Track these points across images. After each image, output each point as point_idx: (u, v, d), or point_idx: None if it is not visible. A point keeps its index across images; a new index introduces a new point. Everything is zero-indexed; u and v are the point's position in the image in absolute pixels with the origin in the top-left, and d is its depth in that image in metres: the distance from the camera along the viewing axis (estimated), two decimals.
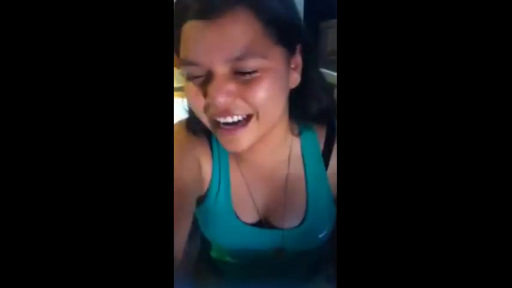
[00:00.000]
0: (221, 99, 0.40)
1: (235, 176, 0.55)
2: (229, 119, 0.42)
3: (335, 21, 1.76)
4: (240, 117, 0.42)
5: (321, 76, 0.50)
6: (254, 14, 0.38)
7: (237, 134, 0.43)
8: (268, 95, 0.41)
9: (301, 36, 0.45)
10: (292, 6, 0.44)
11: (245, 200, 0.56)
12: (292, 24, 0.43)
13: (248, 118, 0.43)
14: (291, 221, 0.56)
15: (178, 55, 0.42)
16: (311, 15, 1.66)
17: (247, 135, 0.43)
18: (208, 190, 0.55)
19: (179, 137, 0.53)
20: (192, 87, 0.42)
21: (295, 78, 0.46)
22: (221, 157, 0.55)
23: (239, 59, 0.38)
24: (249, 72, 0.39)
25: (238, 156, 0.54)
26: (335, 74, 0.82)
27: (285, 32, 0.41)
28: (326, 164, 0.54)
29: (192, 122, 0.52)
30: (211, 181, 0.55)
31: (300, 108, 0.49)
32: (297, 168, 0.55)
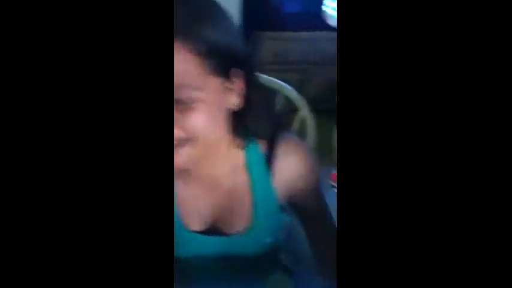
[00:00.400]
0: None
1: (180, 186, 0.58)
2: None
3: (269, 33, 1.84)
4: (176, 142, 0.45)
5: (265, 96, 0.54)
6: (189, 47, 0.41)
7: (174, 154, 0.46)
8: (205, 123, 0.45)
9: (240, 63, 0.48)
10: (233, 34, 0.47)
11: (192, 209, 0.59)
12: (232, 52, 0.46)
13: (182, 142, 0.46)
14: (238, 227, 0.59)
15: None
16: (247, 26, 1.71)
17: (183, 155, 0.46)
18: None
19: None
20: None
21: (236, 101, 0.49)
22: None
23: (175, 89, 0.41)
24: (185, 103, 0.43)
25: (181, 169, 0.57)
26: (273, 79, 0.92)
27: (222, 62, 0.45)
28: (271, 174, 0.58)
29: None
30: None
31: (243, 126, 0.53)
32: (241, 178, 0.58)
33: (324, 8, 1.99)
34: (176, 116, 0.43)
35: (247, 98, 0.51)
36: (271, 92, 0.58)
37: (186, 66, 0.42)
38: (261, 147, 0.58)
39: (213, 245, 0.60)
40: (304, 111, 0.90)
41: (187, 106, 0.43)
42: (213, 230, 0.60)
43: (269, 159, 0.58)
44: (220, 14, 0.47)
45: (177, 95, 0.42)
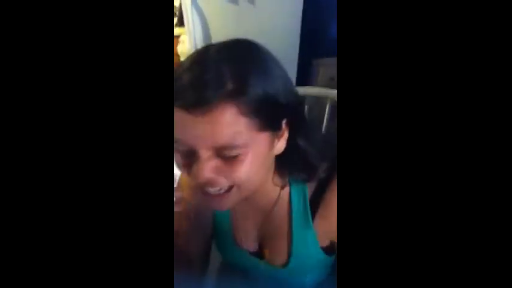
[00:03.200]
0: (203, 179, 0.45)
1: (233, 209, 0.64)
2: (211, 190, 0.47)
3: (325, 59, 1.92)
4: (221, 190, 0.47)
5: (310, 141, 0.53)
6: (237, 110, 0.41)
7: (220, 199, 0.48)
8: (249, 171, 0.45)
9: (287, 113, 0.48)
10: (280, 86, 0.46)
11: (242, 229, 0.65)
12: (278, 106, 0.45)
13: (229, 188, 0.47)
14: (279, 260, 0.61)
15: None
16: (305, 55, 1.82)
17: (229, 200, 0.48)
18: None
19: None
20: (178, 157, 0.47)
21: (280, 147, 0.50)
22: None
23: (222, 147, 0.42)
24: (232, 154, 0.43)
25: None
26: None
27: (269, 118, 0.45)
28: (313, 215, 0.57)
29: None
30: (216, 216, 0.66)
31: (287, 168, 0.54)
32: (283, 214, 0.59)
33: None
34: (221, 165, 0.44)
35: (294, 143, 0.50)
36: (316, 145, 0.55)
37: (234, 127, 0.41)
38: (307, 188, 0.57)
39: (255, 265, 0.63)
40: None
41: (234, 159, 0.44)
42: (258, 254, 0.63)
43: (314, 202, 0.56)
44: (268, 68, 0.45)
45: (224, 151, 0.43)
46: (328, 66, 1.87)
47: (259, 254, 0.64)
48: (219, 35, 1.52)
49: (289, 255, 0.60)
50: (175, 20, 1.86)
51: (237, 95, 0.41)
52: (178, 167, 0.48)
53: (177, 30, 1.81)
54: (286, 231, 0.59)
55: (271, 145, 0.48)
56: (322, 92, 0.91)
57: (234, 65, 0.42)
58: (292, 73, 1.67)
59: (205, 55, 0.44)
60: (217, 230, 0.68)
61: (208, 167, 0.44)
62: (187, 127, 0.42)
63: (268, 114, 0.44)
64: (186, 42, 1.60)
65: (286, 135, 0.50)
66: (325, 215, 0.56)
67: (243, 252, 0.65)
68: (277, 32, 1.61)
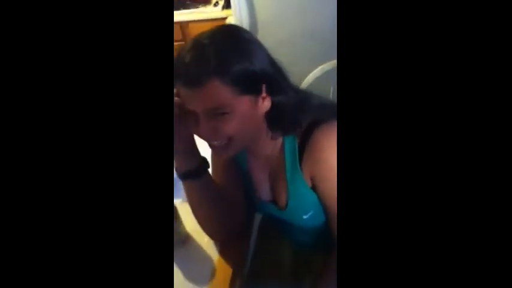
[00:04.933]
0: (205, 133, 0.62)
1: (249, 165, 0.80)
2: (214, 143, 0.64)
3: None
4: (222, 142, 0.63)
5: (290, 99, 0.66)
6: (220, 82, 0.56)
7: (222, 149, 0.65)
8: (237, 126, 0.60)
9: (263, 80, 0.62)
10: (255, 60, 0.60)
11: (259, 183, 0.80)
12: (254, 75, 0.60)
13: (228, 140, 0.63)
14: (281, 203, 0.75)
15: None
16: None
17: (229, 149, 0.65)
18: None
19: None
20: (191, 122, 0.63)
21: (266, 105, 0.64)
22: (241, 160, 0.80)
23: (213, 110, 0.59)
24: (222, 114, 0.59)
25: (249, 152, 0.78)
26: None
27: (247, 85, 0.59)
28: (300, 161, 0.69)
29: None
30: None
31: (275, 123, 0.68)
32: (280, 163, 0.72)
33: None
34: (216, 122, 0.60)
35: (277, 103, 0.64)
36: (303, 94, 0.70)
37: (217, 93, 0.57)
38: (297, 138, 0.69)
39: (272, 211, 0.79)
40: None
41: (223, 116, 0.59)
42: (274, 202, 0.78)
43: (300, 149, 0.68)
44: (247, 48, 0.59)
45: (215, 112, 0.59)
46: None
47: (274, 201, 0.78)
48: (263, 15, 1.62)
49: (287, 197, 0.73)
50: (223, 2, 1.98)
51: (219, 72, 0.56)
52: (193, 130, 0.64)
53: (224, 13, 1.94)
54: (284, 177, 0.72)
55: (255, 105, 0.62)
56: None
57: (217, 48, 0.57)
58: (333, 44, 1.70)
59: (197, 42, 0.59)
60: (245, 188, 0.82)
61: (207, 123, 0.60)
62: (190, 99, 0.59)
63: (246, 82, 0.59)
64: (232, 22, 1.72)
65: (268, 96, 0.64)
66: (306, 158, 0.68)
67: (264, 202, 0.80)
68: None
